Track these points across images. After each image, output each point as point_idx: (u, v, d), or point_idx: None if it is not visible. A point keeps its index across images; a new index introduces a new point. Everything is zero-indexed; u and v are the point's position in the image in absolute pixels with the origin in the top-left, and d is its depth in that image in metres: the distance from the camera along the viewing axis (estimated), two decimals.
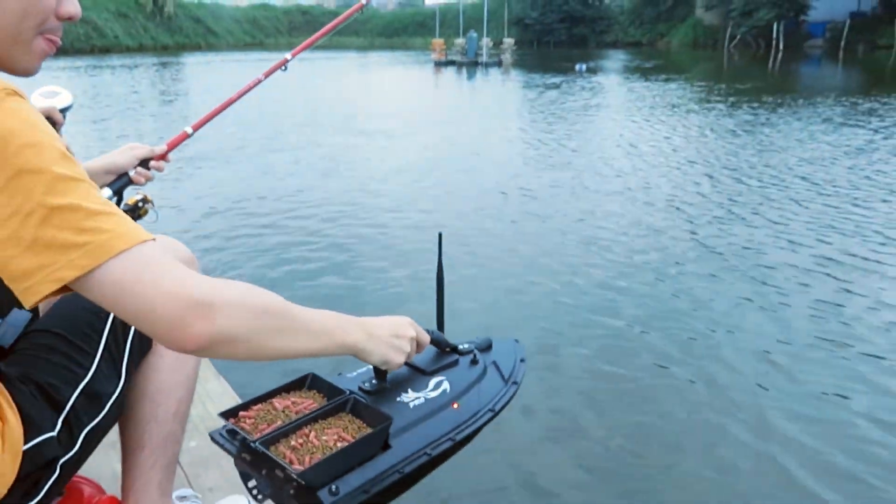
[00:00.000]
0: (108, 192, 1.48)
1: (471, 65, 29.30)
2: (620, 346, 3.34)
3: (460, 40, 31.81)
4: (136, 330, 1.13)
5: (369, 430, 1.33)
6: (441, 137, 10.41)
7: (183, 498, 1.51)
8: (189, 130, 1.70)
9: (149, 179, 1.56)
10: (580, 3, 48.30)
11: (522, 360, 1.80)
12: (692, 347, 3.34)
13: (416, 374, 1.57)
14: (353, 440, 1.29)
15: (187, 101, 15.79)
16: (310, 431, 1.32)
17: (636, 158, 8.31)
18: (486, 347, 1.76)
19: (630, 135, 10.11)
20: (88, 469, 1.53)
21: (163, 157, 1.61)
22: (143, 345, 1.17)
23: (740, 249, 4.81)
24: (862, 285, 4.13)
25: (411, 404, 1.48)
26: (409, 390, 1.53)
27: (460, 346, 1.70)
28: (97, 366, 1.05)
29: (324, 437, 1.31)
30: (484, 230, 5.37)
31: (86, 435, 1.01)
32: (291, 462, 1.22)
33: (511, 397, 1.65)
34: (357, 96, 17.97)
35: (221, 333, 0.77)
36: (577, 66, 24.70)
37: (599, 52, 39.37)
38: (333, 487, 1.25)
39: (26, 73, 0.81)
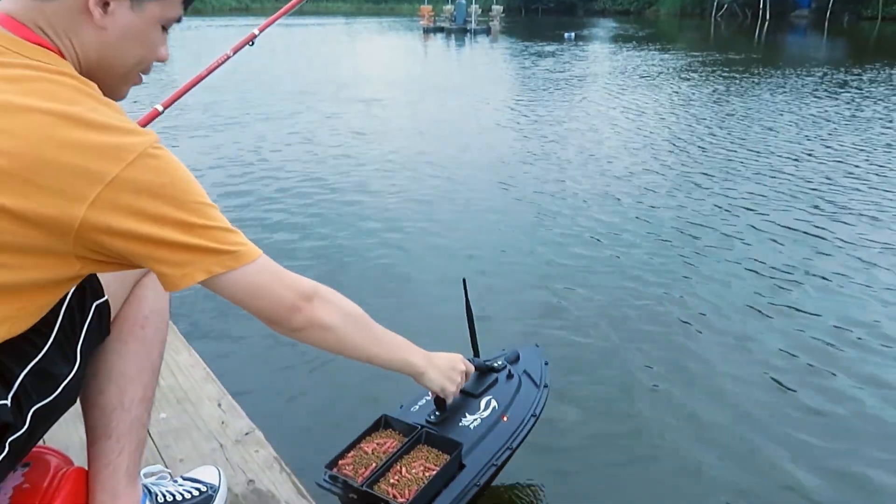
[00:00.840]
0: None
1: (459, 32, 28.85)
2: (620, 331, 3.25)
3: (449, 7, 31.36)
4: (93, 314, 1.10)
5: (447, 457, 1.60)
6: (430, 107, 10.23)
7: (151, 475, 1.49)
8: (160, 108, 1.64)
9: None
10: None
11: (546, 364, 2.04)
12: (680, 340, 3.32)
13: (467, 398, 1.83)
14: (437, 468, 1.56)
15: (175, 68, 15.43)
16: (400, 467, 1.59)
17: (621, 128, 8.24)
18: (515, 359, 2.02)
19: (617, 105, 10.02)
20: (57, 439, 1.51)
21: None
22: (101, 329, 1.14)
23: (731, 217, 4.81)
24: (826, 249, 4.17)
25: (471, 426, 1.74)
26: (467, 414, 1.80)
27: (495, 364, 1.95)
28: (50, 346, 1.01)
29: (413, 471, 1.58)
30: (468, 202, 5.31)
31: (34, 413, 0.98)
32: (395, 497, 1.48)
33: (546, 400, 1.92)
34: (347, 63, 17.70)
35: (317, 319, 1.04)
36: (566, 35, 24.42)
37: (587, 20, 38.88)
38: None
39: (119, 99, 1.00)
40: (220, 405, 1.72)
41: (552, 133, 7.97)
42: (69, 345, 1.05)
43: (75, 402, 1.12)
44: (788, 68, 14.80)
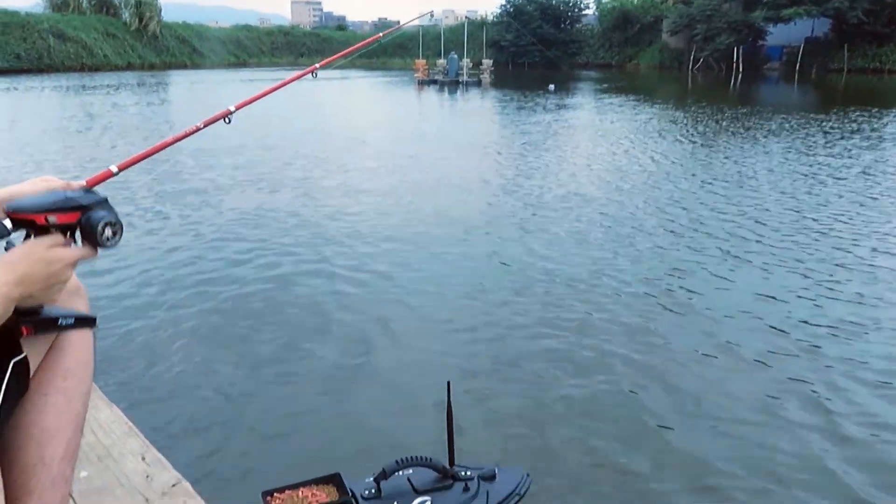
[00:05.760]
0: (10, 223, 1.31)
1: (452, 84, 29.36)
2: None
3: (442, 61, 31.89)
4: (10, 373, 1.01)
5: None
6: (427, 159, 10.18)
7: None
8: (114, 169, 1.54)
9: None
10: (553, 27, 48.61)
11: (520, 495, 1.96)
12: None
13: (409, 490, 1.85)
14: None
15: (163, 123, 15.53)
16: None
17: (603, 175, 8.29)
18: (490, 477, 1.96)
19: (600, 153, 10.11)
20: None
21: None
22: (20, 388, 1.05)
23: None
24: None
25: None
26: (395, 503, 1.80)
27: (463, 473, 1.92)
28: None
29: None
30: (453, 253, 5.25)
31: None
32: None
33: None
34: (351, 113, 17.93)
35: None
36: (550, 87, 24.90)
37: (572, 72, 39.66)
38: None
39: None
40: (144, 459, 1.60)
41: (535, 183, 7.99)
42: None
43: None
44: (761, 116, 15.06)
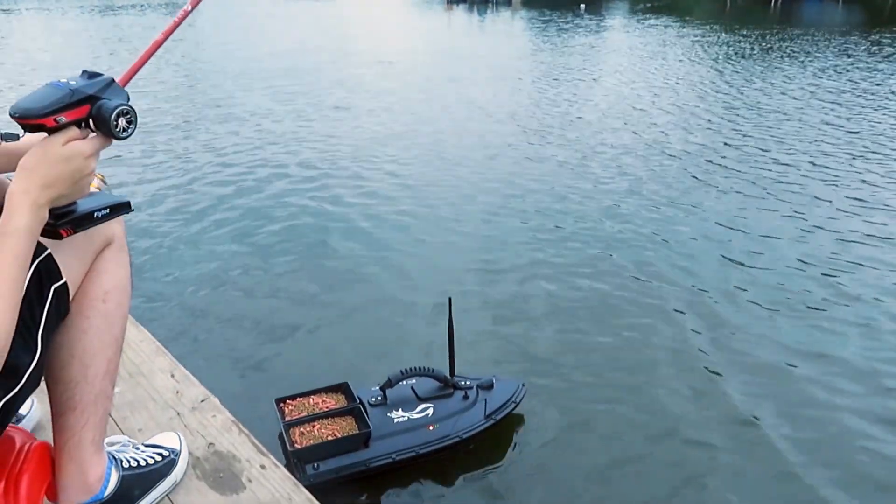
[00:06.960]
0: (21, 129, 1.29)
1: (482, 3, 28.36)
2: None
3: None
4: (51, 298, 1.05)
5: (354, 433, 1.81)
6: (452, 85, 10.07)
7: (113, 444, 1.46)
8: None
9: None
10: None
11: (515, 403, 2.07)
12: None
13: (413, 398, 1.98)
14: (337, 437, 1.79)
15: (194, 46, 15.29)
16: (317, 424, 1.85)
17: (624, 105, 8.05)
18: (488, 386, 2.08)
19: (630, 78, 9.76)
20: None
21: None
22: (61, 311, 1.09)
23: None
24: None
25: (395, 420, 1.91)
26: (400, 409, 1.93)
27: (463, 382, 2.04)
28: (12, 338, 0.95)
29: (323, 431, 1.82)
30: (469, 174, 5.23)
31: (3, 407, 0.96)
32: (295, 442, 1.78)
33: (484, 430, 1.98)
34: (378, 37, 17.54)
35: None
36: (581, 7, 23.93)
37: None
38: (316, 465, 1.77)
39: None
40: (173, 376, 1.69)
41: (551, 111, 7.79)
42: (29, 333, 1.00)
43: (39, 385, 1.08)
44: (804, 37, 14.26)
